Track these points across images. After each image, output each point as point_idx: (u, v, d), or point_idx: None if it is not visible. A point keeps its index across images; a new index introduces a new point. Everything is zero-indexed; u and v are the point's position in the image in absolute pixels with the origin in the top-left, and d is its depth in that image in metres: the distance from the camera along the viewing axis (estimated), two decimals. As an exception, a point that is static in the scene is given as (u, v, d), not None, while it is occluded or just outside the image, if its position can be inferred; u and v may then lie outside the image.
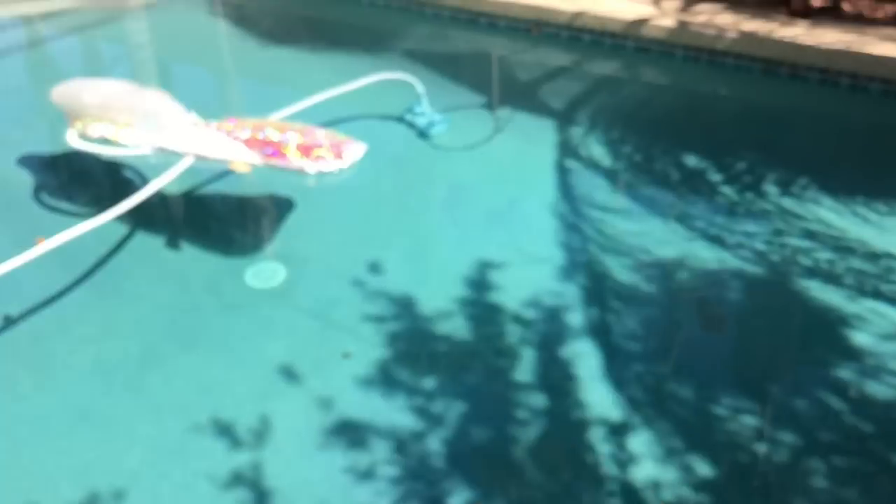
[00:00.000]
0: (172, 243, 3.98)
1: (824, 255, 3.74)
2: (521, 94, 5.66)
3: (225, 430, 2.86)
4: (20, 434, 2.89)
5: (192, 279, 3.69)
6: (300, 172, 3.81)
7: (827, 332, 3.31)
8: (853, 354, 3.16)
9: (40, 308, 3.53)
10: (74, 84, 4.41)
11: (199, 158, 3.88)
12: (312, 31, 7.23)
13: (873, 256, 3.71)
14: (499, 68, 6.27)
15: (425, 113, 5.02)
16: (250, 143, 3.85)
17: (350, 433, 2.84)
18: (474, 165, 4.65)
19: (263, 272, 3.70)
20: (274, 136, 3.88)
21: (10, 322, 3.45)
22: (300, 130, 3.96)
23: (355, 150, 3.95)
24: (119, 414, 2.96)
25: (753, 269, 3.67)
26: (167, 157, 4.03)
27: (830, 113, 5.33)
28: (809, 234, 3.89)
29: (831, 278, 3.58)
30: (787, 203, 4.14)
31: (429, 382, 3.06)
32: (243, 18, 7.53)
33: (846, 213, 4.05)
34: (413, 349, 3.24)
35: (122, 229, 4.03)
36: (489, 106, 5.48)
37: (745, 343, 3.34)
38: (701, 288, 3.62)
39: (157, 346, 3.29)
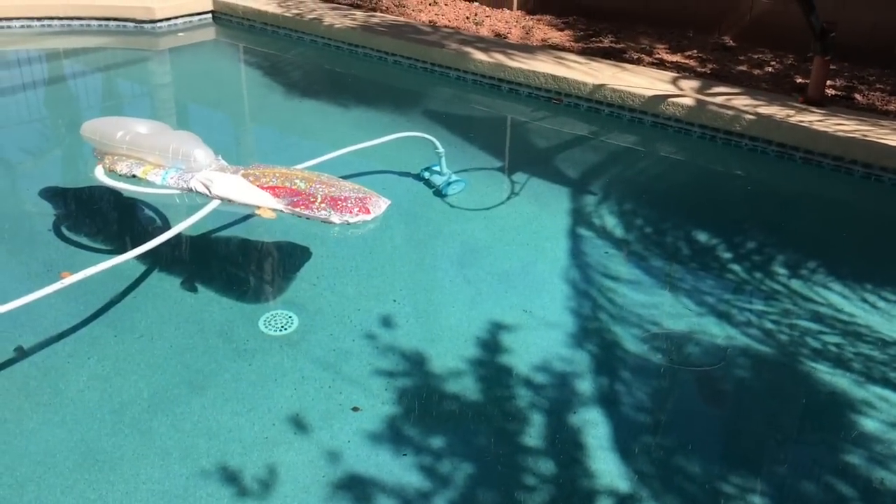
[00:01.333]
0: (188, 285, 4.01)
1: (832, 339, 3.77)
2: (538, 161, 5.75)
3: (231, 478, 2.85)
4: (25, 470, 2.87)
5: (207, 322, 3.71)
6: (325, 223, 3.86)
7: (835, 415, 3.31)
8: (862, 440, 3.16)
9: (53, 342, 3.55)
10: (106, 120, 4.50)
11: (226, 202, 3.93)
12: (337, 86, 7.38)
13: (882, 343, 3.74)
14: (518, 134, 6.39)
15: (443, 172, 5.10)
16: (277, 190, 3.91)
17: (356, 488, 2.83)
18: (489, 226, 4.71)
19: (277, 320, 3.73)
20: (301, 185, 3.94)
21: (22, 354, 3.47)
22: (327, 182, 4.02)
23: (380, 205, 4.01)
24: (125, 454, 2.95)
25: (762, 348, 3.69)
26: (192, 199, 4.10)
27: (843, 200, 5.40)
28: (818, 317, 3.92)
29: (839, 362, 3.59)
30: (797, 285, 4.18)
31: (437, 441, 3.06)
32: (270, 68, 7.69)
33: (855, 298, 4.09)
34: (422, 407, 3.25)
35: (140, 267, 4.07)
36: (506, 169, 5.57)
37: (752, 422, 3.33)
38: (709, 363, 3.64)
39: (167, 387, 3.29)
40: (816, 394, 3.45)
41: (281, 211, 3.86)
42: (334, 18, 8.01)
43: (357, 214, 3.87)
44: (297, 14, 8.16)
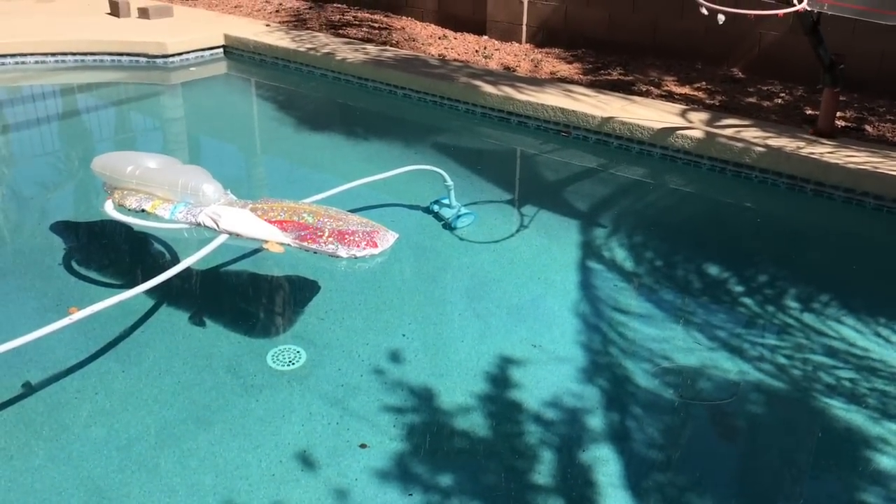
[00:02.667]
0: (196, 319, 4.00)
1: (846, 374, 3.71)
2: (547, 193, 5.75)
3: (237, 516, 2.82)
4: (31, 505, 2.86)
5: (215, 357, 3.70)
6: (332, 257, 3.86)
7: (851, 453, 3.25)
8: (878, 479, 3.10)
9: (61, 377, 3.55)
10: (116, 155, 4.53)
11: (234, 236, 3.94)
12: (347, 119, 7.43)
13: (897, 379, 3.69)
14: (526, 166, 6.40)
15: (452, 205, 5.10)
16: (285, 224, 3.92)
17: (363, 527, 2.80)
18: (498, 260, 4.69)
19: (285, 354, 3.71)
20: (309, 219, 3.95)
21: (30, 390, 3.46)
22: (335, 216, 4.03)
23: (388, 239, 4.01)
24: (132, 492, 2.92)
25: (775, 384, 3.64)
26: (201, 233, 4.11)
27: (855, 232, 5.37)
28: (831, 352, 3.87)
29: (854, 398, 3.54)
30: (809, 319, 4.14)
31: (445, 479, 3.02)
32: (280, 101, 7.76)
33: (868, 333, 4.04)
34: (431, 444, 3.21)
35: (147, 301, 4.07)
36: (515, 202, 5.57)
37: (766, 459, 3.28)
38: (721, 398, 3.59)
39: (174, 423, 3.27)
40: (831, 430, 3.40)
41: (289, 245, 3.86)
42: (345, 52, 8.08)
43: (365, 248, 3.87)
44: (309, 48, 8.24)
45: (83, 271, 4.44)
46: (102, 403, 3.38)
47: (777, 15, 5.21)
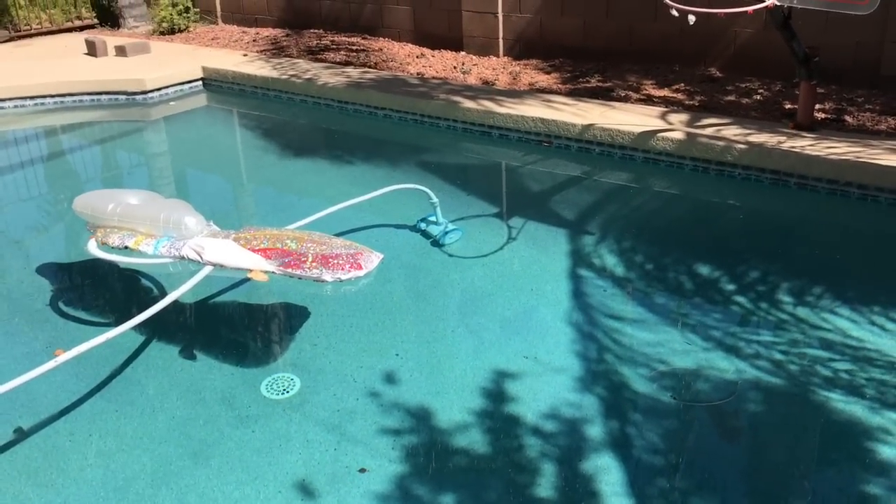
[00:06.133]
0: (187, 353, 3.97)
1: (843, 366, 3.70)
2: (533, 204, 5.75)
3: (238, 550, 2.79)
4: (28, 553, 2.82)
5: (207, 390, 3.67)
6: (318, 282, 3.84)
7: (851, 445, 3.24)
8: (880, 469, 3.08)
9: (53, 420, 3.51)
10: (97, 194, 4.52)
11: (218, 267, 3.92)
12: (330, 143, 7.43)
13: (893, 367, 3.67)
14: (511, 179, 6.40)
15: (439, 222, 5.09)
16: (269, 252, 3.90)
17: (366, 553, 2.76)
18: (488, 274, 4.68)
19: (279, 383, 3.68)
20: (292, 245, 3.93)
21: (22, 436, 3.42)
22: (318, 241, 4.02)
23: (372, 260, 3.99)
24: (130, 532, 2.89)
25: (772, 380, 3.63)
26: (185, 266, 4.09)
27: (841, 223, 5.38)
28: (827, 345, 3.87)
29: (852, 389, 3.53)
30: (803, 313, 4.13)
31: (447, 499, 2.99)
32: (262, 130, 7.76)
33: (863, 322, 4.03)
34: (430, 464, 3.18)
35: (137, 338, 4.04)
36: (501, 215, 5.57)
37: (767, 457, 3.26)
38: (720, 398, 3.57)
39: (170, 460, 3.24)
40: (831, 423, 3.38)
41: (273, 273, 3.84)
42: (325, 77, 8.09)
43: (349, 271, 3.86)
44: (288, 75, 8.25)
45: (71, 312, 4.41)
46: (97, 445, 3.34)
47: (747, 12, 5.23)
